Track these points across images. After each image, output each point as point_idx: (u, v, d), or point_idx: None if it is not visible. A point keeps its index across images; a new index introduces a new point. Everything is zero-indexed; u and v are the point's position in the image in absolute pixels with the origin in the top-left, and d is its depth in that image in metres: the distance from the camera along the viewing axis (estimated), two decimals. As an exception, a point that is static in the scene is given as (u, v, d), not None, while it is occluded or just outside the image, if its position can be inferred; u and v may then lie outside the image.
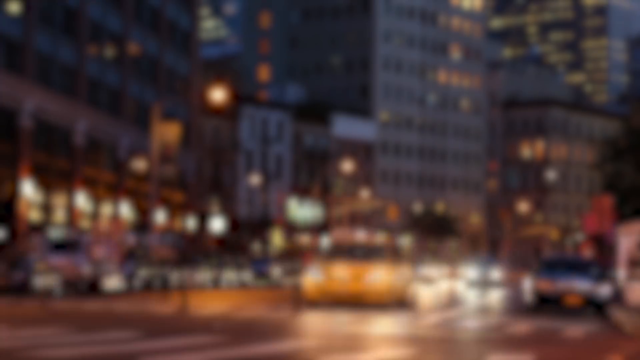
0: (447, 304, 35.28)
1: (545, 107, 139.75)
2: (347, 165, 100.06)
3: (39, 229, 55.63)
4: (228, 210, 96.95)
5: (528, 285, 30.46)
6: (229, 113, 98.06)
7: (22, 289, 34.25)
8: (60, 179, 59.75)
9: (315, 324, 22.71)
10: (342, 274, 28.20)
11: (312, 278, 28.42)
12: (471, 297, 43.80)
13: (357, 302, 28.19)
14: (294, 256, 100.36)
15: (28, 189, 53.74)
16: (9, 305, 27.33)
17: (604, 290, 29.48)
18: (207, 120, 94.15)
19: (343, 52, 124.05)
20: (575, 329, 23.18)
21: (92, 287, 38.41)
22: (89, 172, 63.21)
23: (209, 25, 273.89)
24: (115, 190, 67.88)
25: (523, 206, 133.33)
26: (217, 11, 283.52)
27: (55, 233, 55.58)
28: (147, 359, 14.12)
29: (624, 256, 33.86)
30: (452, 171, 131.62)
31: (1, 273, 34.32)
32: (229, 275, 53.20)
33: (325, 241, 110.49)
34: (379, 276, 28.07)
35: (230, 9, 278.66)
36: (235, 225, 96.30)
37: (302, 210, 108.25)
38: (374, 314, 26.40)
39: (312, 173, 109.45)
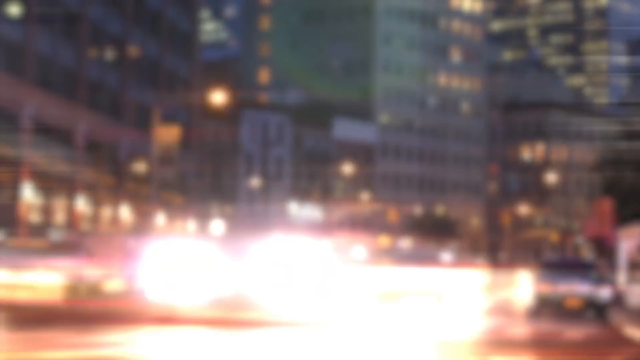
0: None
1: (545, 110, 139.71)
2: (348, 168, 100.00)
3: (39, 231, 55.61)
4: (228, 212, 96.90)
5: (529, 287, 30.46)
6: (230, 116, 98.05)
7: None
8: (60, 181, 59.72)
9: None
10: None
11: None
12: None
13: None
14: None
15: (28, 192, 53.73)
16: (10, 307, 27.30)
17: (604, 293, 29.48)
18: (207, 122, 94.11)
19: (343, 54, 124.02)
20: (576, 332, 23.17)
21: (93, 290, 38.38)
22: (89, 174, 63.20)
23: (209, 28, 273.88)
24: (115, 193, 67.86)
25: (523, 209, 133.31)
26: (217, 14, 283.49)
27: (56, 236, 55.55)
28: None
29: (624, 259, 33.87)
30: (453, 174, 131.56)
31: None
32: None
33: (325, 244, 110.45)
34: None
35: (230, 11, 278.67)
36: (235, 228, 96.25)
37: (302, 213, 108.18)
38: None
39: (312, 176, 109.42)
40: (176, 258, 31.54)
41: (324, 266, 32.19)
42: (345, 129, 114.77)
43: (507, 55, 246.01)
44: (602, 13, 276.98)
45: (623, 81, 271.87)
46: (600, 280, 30.13)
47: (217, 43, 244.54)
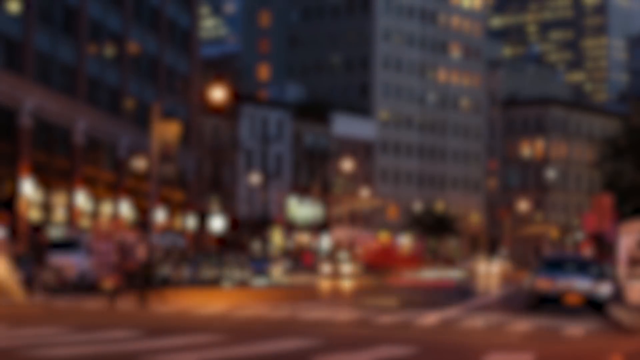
0: None
1: (545, 106, 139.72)
2: (347, 164, 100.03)
3: (38, 228, 55.64)
4: (228, 209, 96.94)
5: (528, 284, 30.49)
6: (229, 112, 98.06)
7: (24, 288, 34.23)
8: (60, 178, 59.75)
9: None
10: None
11: None
12: None
13: None
14: (294, 255, 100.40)
15: (28, 188, 53.75)
16: (9, 304, 27.33)
17: (603, 289, 29.49)
18: (207, 119, 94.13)
19: (343, 51, 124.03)
20: (576, 328, 23.19)
21: (92, 286, 38.42)
22: (88, 171, 63.21)
23: (209, 25, 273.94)
24: (115, 190, 67.89)
25: (523, 205, 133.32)
26: (216, 10, 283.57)
27: (56, 232, 55.61)
28: (148, 358, 14.13)
29: (623, 255, 33.87)
30: (452, 170, 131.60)
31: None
32: (229, 275, 53.22)
33: (325, 240, 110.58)
34: None
35: (230, 8, 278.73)
36: (235, 224, 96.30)
37: (302, 210, 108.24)
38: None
39: (312, 172, 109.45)
40: None
41: None
42: (344, 125, 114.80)
43: (507, 51, 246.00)
44: (601, 9, 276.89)
45: (622, 77, 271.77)
46: (600, 276, 30.14)
47: (217, 39, 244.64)
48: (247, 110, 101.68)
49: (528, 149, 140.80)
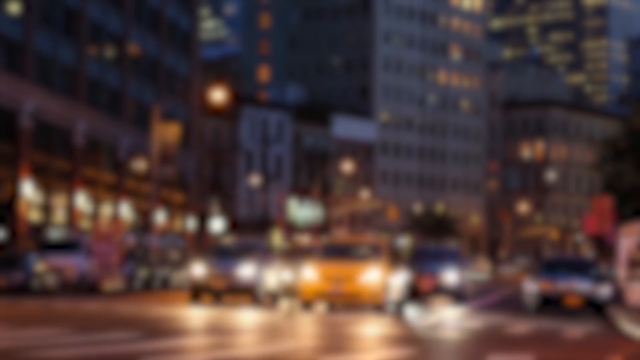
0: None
1: (545, 108, 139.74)
2: (347, 166, 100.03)
3: (38, 229, 55.62)
4: (228, 210, 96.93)
5: (528, 285, 30.46)
6: (229, 113, 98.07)
7: (22, 289, 34.26)
8: (60, 179, 59.74)
9: (311, 325, 22.74)
10: (336, 274, 27.24)
11: (307, 278, 27.61)
12: None
13: (352, 303, 27.66)
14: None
15: (28, 190, 53.74)
16: (9, 305, 27.33)
17: (604, 291, 29.47)
18: (207, 120, 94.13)
19: (343, 52, 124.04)
20: (575, 330, 23.19)
21: (92, 288, 38.43)
22: (89, 172, 63.20)
23: (209, 26, 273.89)
24: (115, 191, 67.88)
25: (523, 207, 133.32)
26: (217, 12, 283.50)
27: (55, 233, 55.58)
28: None
29: (623, 257, 33.87)
30: (452, 172, 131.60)
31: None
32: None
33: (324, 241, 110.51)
34: (374, 276, 27.18)
35: (230, 9, 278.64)
36: (235, 225, 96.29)
37: (302, 211, 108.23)
38: (369, 314, 26.40)
39: (312, 173, 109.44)
40: None
41: None
42: (344, 127, 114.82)
43: (507, 53, 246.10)
44: (601, 10, 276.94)
45: (622, 78, 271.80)
46: (600, 278, 30.12)
47: (217, 41, 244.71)
48: (247, 111, 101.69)
49: (528, 151, 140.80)
